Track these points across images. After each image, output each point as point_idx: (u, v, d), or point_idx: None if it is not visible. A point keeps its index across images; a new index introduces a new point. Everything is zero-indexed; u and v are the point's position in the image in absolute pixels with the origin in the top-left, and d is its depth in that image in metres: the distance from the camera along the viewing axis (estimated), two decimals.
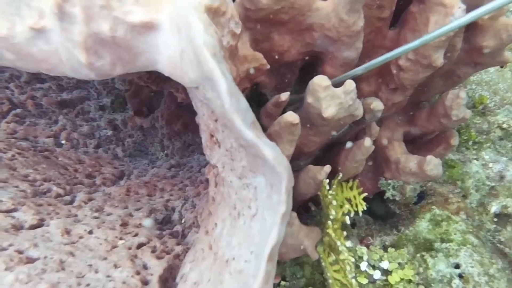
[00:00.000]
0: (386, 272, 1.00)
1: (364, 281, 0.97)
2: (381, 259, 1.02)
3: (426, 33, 0.69)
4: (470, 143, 1.27)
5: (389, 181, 0.98)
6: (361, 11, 0.63)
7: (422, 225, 1.05)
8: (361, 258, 0.98)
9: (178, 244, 0.91)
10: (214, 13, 0.56)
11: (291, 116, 0.63)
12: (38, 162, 1.19)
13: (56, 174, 1.18)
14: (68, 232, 0.88)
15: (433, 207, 1.07)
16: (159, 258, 0.86)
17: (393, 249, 1.04)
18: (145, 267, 0.84)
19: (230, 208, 0.67)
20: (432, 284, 0.96)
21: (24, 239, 0.81)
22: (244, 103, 0.49)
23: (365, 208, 0.91)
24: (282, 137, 0.66)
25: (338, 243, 0.77)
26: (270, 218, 0.54)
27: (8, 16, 0.59)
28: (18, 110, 1.44)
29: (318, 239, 0.85)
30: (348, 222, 0.80)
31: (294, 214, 0.80)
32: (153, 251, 0.88)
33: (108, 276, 0.80)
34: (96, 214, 1.00)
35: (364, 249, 0.98)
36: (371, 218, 1.11)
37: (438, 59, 0.72)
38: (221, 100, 0.47)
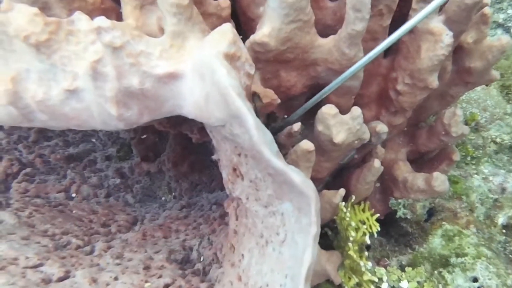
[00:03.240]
0: None
1: None
2: (399, 279, 1.04)
3: (419, 60, 0.76)
4: (469, 158, 1.32)
5: (399, 201, 1.02)
6: (360, 44, 0.70)
7: (436, 242, 1.07)
8: (381, 279, 0.99)
9: (202, 281, 0.92)
10: (231, 58, 0.62)
11: (307, 144, 0.67)
12: (54, 217, 1.21)
13: (73, 226, 1.20)
14: (95, 280, 0.90)
15: (444, 222, 1.10)
16: None
17: (410, 268, 1.05)
18: None
19: (256, 237, 0.69)
20: None
21: None
22: (269, 135, 0.54)
23: (379, 229, 0.94)
24: (299, 165, 0.70)
25: (361, 263, 0.79)
26: (301, 241, 0.57)
27: (44, 82, 0.64)
28: (28, 169, 1.47)
29: (339, 262, 0.87)
30: (368, 242, 0.82)
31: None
32: None
33: None
34: (117, 261, 1.01)
35: (383, 270, 1.00)
36: (384, 239, 1.13)
37: (434, 81, 0.78)
38: (249, 134, 0.52)
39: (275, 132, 0.78)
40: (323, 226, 0.97)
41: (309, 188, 0.53)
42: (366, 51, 0.80)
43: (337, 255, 0.86)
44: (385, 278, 1.01)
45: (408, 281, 1.03)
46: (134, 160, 1.53)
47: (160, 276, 0.92)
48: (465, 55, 0.86)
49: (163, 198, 1.45)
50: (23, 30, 0.58)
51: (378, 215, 0.97)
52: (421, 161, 1.10)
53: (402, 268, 1.08)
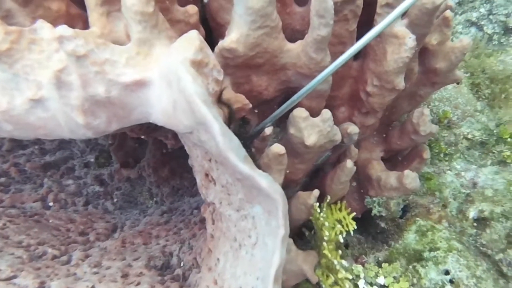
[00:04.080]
0: (383, 287, 1.04)
1: None
2: (376, 275, 1.06)
3: (385, 62, 0.79)
4: (442, 155, 1.36)
5: (374, 199, 1.05)
6: (326, 49, 0.71)
7: (410, 237, 1.10)
8: (358, 276, 1.02)
9: (181, 287, 0.92)
10: (198, 65, 0.62)
11: (278, 148, 0.69)
12: (29, 227, 1.19)
13: (49, 236, 1.18)
14: None
15: (417, 218, 1.13)
16: None
17: (387, 264, 1.08)
18: None
19: (230, 241, 0.70)
20: None
21: None
22: (236, 141, 0.55)
23: (355, 228, 0.96)
24: (271, 168, 0.71)
25: (335, 262, 0.81)
26: (271, 243, 0.58)
27: (7, 91, 0.64)
28: (2, 179, 1.44)
29: (316, 262, 0.89)
30: (342, 241, 0.84)
31: (291, 241, 0.84)
32: None
33: None
34: (95, 270, 1.00)
35: (360, 267, 1.02)
36: (362, 237, 1.16)
37: (400, 82, 0.81)
38: (215, 140, 0.52)
39: (252, 138, 0.79)
40: (300, 226, 0.99)
41: (276, 191, 0.54)
42: (334, 55, 0.81)
43: (314, 254, 0.87)
44: (362, 275, 1.03)
45: (385, 277, 1.06)
46: (113, 166, 1.52)
47: (138, 284, 0.92)
48: (430, 56, 0.89)
49: (144, 204, 1.44)
50: None
51: (354, 213, 0.99)
52: (395, 160, 1.13)
53: (379, 264, 1.11)
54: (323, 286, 0.93)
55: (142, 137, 0.85)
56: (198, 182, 0.75)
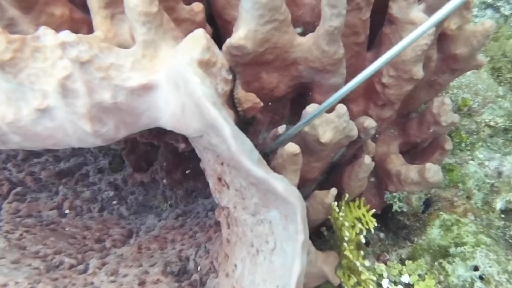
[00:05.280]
0: (408, 286, 1.00)
1: None
2: (400, 273, 1.02)
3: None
4: (463, 144, 1.31)
5: (394, 194, 1.00)
6: (339, 40, 0.68)
7: (434, 232, 1.06)
8: (381, 275, 0.98)
9: None
10: (206, 65, 0.60)
11: (292, 147, 0.65)
12: (46, 237, 1.18)
13: (65, 245, 1.17)
14: None
15: (441, 212, 1.09)
16: None
17: (411, 262, 1.04)
18: None
19: (247, 246, 0.67)
20: None
21: None
22: (248, 143, 0.52)
23: (376, 225, 0.92)
24: (286, 168, 0.68)
25: (358, 263, 0.77)
26: (290, 249, 0.55)
27: (13, 102, 0.62)
28: (19, 189, 1.44)
29: (336, 263, 0.86)
30: (363, 241, 0.81)
31: (310, 242, 0.81)
32: None
33: None
34: (112, 278, 0.99)
35: (382, 266, 0.98)
36: (383, 234, 1.12)
37: (418, 71, 0.76)
38: (227, 144, 0.50)
39: (272, 151, 0.76)
40: (318, 226, 0.96)
41: (293, 195, 0.51)
42: (347, 46, 0.78)
43: (334, 255, 0.84)
44: (385, 274, 1.00)
45: (409, 275, 1.01)
46: (127, 171, 1.51)
47: None
48: (449, 42, 0.84)
49: (159, 208, 1.43)
50: None
51: (374, 210, 0.95)
52: (414, 152, 1.08)
53: (402, 261, 1.07)
54: (345, 287, 0.90)
55: (153, 142, 0.83)
56: (211, 186, 0.72)
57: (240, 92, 0.68)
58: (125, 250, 1.13)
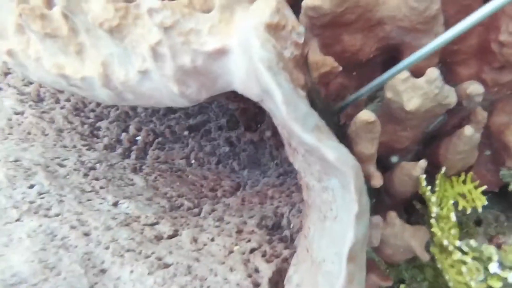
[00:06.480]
0: None
1: (497, 284, 0.84)
2: None
3: None
4: None
5: None
6: None
7: None
8: (489, 259, 0.86)
9: (286, 248, 0.96)
10: (275, 28, 0.60)
11: (366, 115, 0.62)
12: (173, 181, 1.39)
13: (187, 190, 1.36)
14: (195, 240, 1.02)
15: None
16: (268, 262, 0.92)
17: None
18: (256, 270, 0.92)
19: (317, 211, 0.69)
20: None
21: (163, 248, 0.97)
22: (303, 109, 0.51)
23: (486, 203, 0.80)
24: (361, 137, 0.65)
25: (446, 242, 0.70)
26: (345, 219, 0.55)
27: (122, 64, 0.73)
28: (160, 139, 1.71)
29: (427, 238, 0.79)
30: (454, 219, 0.72)
31: (394, 214, 0.77)
32: (263, 255, 0.95)
33: (225, 279, 0.90)
34: (217, 223, 1.12)
35: (492, 249, 0.86)
36: (502, 214, 0.96)
37: None
38: (279, 110, 0.51)
39: (342, 110, 0.73)
40: (408, 199, 0.89)
41: (345, 164, 0.50)
42: None
43: (424, 230, 0.78)
44: (495, 257, 0.87)
45: None
46: (240, 129, 1.64)
47: (249, 241, 1.00)
48: None
49: (266, 166, 1.52)
50: (98, 17, 0.65)
51: (485, 186, 0.83)
52: None
53: None
54: (440, 265, 0.83)
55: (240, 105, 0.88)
56: (286, 150, 0.74)
57: (316, 56, 0.67)
58: (232, 201, 1.26)
